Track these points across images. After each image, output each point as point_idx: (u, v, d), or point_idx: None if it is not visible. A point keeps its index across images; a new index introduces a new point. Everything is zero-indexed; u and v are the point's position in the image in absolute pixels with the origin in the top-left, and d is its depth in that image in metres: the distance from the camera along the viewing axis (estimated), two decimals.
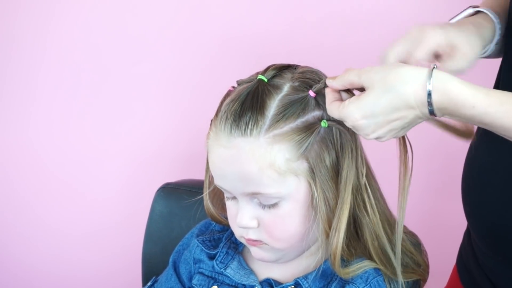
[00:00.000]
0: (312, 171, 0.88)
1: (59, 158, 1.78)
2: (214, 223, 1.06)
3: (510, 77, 0.95)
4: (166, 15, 1.65)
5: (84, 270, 1.85)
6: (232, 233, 1.00)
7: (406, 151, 0.90)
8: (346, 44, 1.53)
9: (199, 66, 1.67)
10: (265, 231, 0.91)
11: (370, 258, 0.94)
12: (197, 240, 1.04)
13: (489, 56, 0.98)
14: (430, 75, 0.78)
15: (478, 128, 1.02)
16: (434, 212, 1.61)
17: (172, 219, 1.26)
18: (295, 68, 0.93)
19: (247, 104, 0.87)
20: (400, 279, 0.93)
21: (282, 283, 0.96)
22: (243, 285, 0.98)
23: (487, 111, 0.78)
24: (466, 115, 0.79)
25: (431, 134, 1.51)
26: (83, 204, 1.80)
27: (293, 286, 0.95)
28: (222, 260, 1.00)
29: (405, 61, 0.87)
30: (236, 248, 1.02)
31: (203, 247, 1.03)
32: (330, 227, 0.90)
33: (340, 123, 0.88)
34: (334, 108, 0.85)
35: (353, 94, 0.87)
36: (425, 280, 1.01)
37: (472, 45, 0.89)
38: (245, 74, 0.95)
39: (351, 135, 0.90)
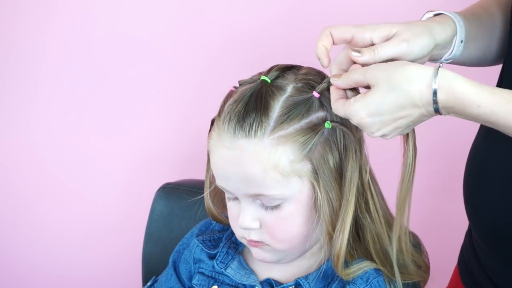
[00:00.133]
0: (315, 172, 0.88)
1: (59, 158, 1.78)
2: (214, 222, 1.06)
3: None
4: (166, 15, 1.65)
5: (84, 270, 1.84)
6: (232, 233, 1.00)
7: (413, 149, 0.89)
8: None
9: (199, 66, 1.67)
10: (267, 232, 0.91)
11: (371, 259, 0.94)
12: (197, 240, 1.04)
13: (472, 64, 0.98)
14: (436, 73, 0.78)
15: (480, 128, 1.02)
16: (434, 212, 1.61)
17: (172, 219, 1.26)
18: (298, 69, 0.93)
19: (251, 105, 0.87)
20: (399, 279, 0.93)
21: (282, 283, 0.96)
22: (244, 285, 0.98)
23: (493, 110, 0.78)
24: (472, 114, 0.79)
25: (431, 134, 1.51)
26: (83, 204, 1.80)
27: (293, 286, 0.95)
28: (222, 260, 1.00)
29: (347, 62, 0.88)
30: (236, 248, 1.02)
31: (203, 247, 1.02)
32: (333, 229, 0.89)
33: (344, 124, 0.88)
34: (339, 106, 0.85)
35: (358, 92, 0.87)
36: (425, 281, 1.01)
37: (414, 32, 0.88)
38: (245, 74, 0.95)
39: (355, 136, 0.90)
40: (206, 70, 1.66)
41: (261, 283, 0.97)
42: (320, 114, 0.89)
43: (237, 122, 0.86)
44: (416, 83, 0.79)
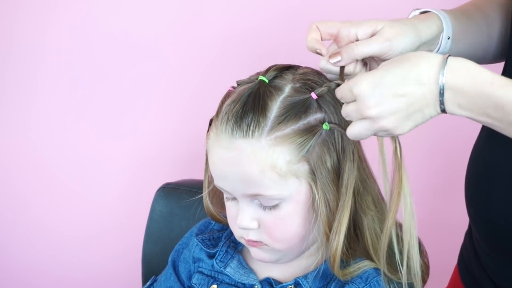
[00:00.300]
0: (313, 173, 0.88)
1: (59, 158, 1.78)
2: (214, 222, 1.06)
3: None
4: (166, 15, 1.65)
5: (84, 270, 1.84)
6: (231, 232, 1.00)
7: (397, 148, 0.87)
8: None
9: (199, 66, 1.67)
10: (266, 232, 0.91)
11: (370, 258, 0.94)
12: (197, 239, 1.04)
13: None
14: (446, 60, 0.77)
15: (482, 128, 1.02)
16: (434, 212, 1.61)
17: (172, 219, 1.26)
18: (296, 69, 0.93)
19: (249, 105, 0.87)
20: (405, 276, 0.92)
21: (282, 283, 0.96)
22: (243, 284, 0.98)
23: (507, 89, 0.75)
24: (484, 91, 0.75)
25: (431, 134, 1.51)
26: (83, 204, 1.80)
27: (293, 286, 0.95)
28: (221, 259, 1.00)
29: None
30: (236, 247, 1.02)
31: (202, 246, 1.03)
32: (330, 229, 0.89)
33: (341, 126, 0.88)
34: (345, 83, 0.83)
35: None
36: (425, 281, 1.01)
37: (398, 30, 0.88)
38: (244, 74, 0.95)
39: None
40: (206, 70, 1.66)
41: (261, 282, 0.97)
42: (318, 115, 0.89)
43: (235, 123, 0.86)
44: (426, 59, 0.78)
